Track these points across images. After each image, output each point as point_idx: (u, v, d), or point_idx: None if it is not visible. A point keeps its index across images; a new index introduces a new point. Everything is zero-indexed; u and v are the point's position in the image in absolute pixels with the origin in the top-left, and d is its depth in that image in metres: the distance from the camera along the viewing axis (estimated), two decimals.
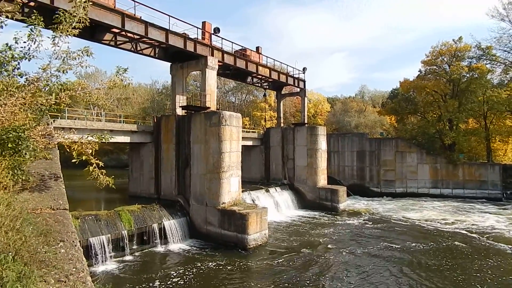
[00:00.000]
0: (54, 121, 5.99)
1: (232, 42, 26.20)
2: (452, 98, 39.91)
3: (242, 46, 28.06)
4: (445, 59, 41.42)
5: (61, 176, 5.64)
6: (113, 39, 20.14)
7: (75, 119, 22.31)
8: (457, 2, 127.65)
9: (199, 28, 23.09)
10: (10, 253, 2.98)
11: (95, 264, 15.81)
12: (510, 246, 19.45)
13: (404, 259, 17.56)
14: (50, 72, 5.03)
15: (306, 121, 36.07)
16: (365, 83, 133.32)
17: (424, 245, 19.87)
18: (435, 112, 42.78)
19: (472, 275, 15.34)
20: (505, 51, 39.07)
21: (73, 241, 3.93)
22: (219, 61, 24.22)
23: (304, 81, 36.04)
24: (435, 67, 42.23)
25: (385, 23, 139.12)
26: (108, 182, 5.55)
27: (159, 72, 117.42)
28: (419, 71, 45.18)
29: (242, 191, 23.76)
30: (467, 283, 14.46)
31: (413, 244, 20.03)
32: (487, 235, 21.95)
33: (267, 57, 31.03)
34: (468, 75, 39.94)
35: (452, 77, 39.67)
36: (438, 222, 25.83)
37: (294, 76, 35.23)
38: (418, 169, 38.19)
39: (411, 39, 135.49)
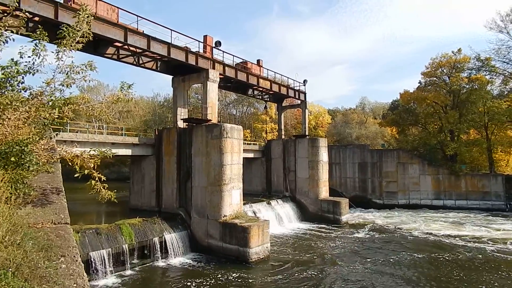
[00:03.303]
0: (56, 134, 6.00)
1: (233, 55, 26.52)
2: (452, 109, 40.00)
3: (243, 59, 28.34)
4: (444, 70, 41.70)
5: (63, 189, 5.63)
6: (116, 52, 20.37)
7: (77, 132, 22.36)
8: (455, 14, 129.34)
9: (201, 42, 23.36)
10: (10, 269, 2.94)
11: (95, 278, 15.61)
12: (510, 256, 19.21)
13: (409, 272, 17.28)
14: (54, 86, 5.07)
15: (307, 133, 36.10)
16: (366, 95, 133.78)
17: (429, 258, 19.60)
18: (436, 123, 42.85)
19: (480, 287, 15.11)
20: (504, 62, 39.36)
21: (74, 256, 3.89)
22: (220, 74, 24.42)
23: (304, 93, 36.23)
24: (435, 78, 42.48)
25: (384, 35, 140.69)
26: (110, 196, 5.52)
27: (160, 85, 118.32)
28: (419, 82, 45.47)
29: (244, 204, 23.61)
30: None
31: (418, 257, 19.75)
32: (494, 247, 21.65)
33: (267, 69, 31.33)
34: (468, 86, 40.16)
35: (452, 88, 39.86)
36: (442, 234, 25.50)
37: (295, 88, 35.43)
38: (420, 180, 37.98)
39: (410, 51, 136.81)
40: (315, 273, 17.15)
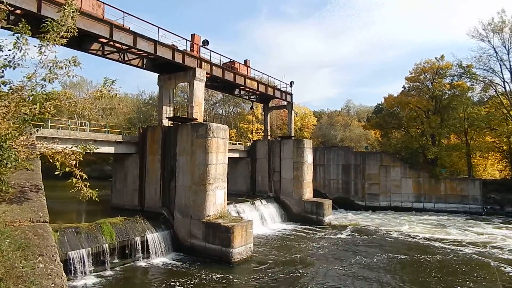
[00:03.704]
0: (37, 130, 5.85)
1: (221, 55, 26.42)
2: (434, 114, 41.01)
3: (230, 59, 28.28)
4: (427, 76, 42.74)
5: (42, 187, 5.50)
6: (101, 49, 20.00)
7: (58, 128, 21.86)
8: (442, 20, 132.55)
9: (188, 40, 23.19)
10: None
11: (73, 279, 15.28)
12: (491, 260, 19.81)
13: (389, 273, 17.63)
14: (35, 81, 4.94)
15: (292, 134, 36.31)
16: (351, 98, 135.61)
17: (407, 261, 20.04)
18: (418, 128, 43.83)
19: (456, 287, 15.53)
20: (485, 70, 40.65)
21: (52, 256, 3.81)
22: (207, 73, 24.31)
23: (291, 95, 36.43)
24: (418, 83, 43.48)
25: (370, 40, 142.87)
26: (91, 195, 5.41)
27: (146, 82, 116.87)
28: (403, 87, 46.45)
29: (228, 204, 23.56)
30: None
31: (396, 260, 20.17)
32: (469, 249, 22.29)
33: (255, 70, 31.37)
34: (449, 92, 41.27)
35: (435, 93, 40.87)
36: (421, 236, 26.10)
37: (282, 89, 35.59)
38: (401, 183, 38.75)
39: (396, 55, 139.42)
40: (296, 274, 17.27)
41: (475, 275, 17.40)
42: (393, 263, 19.33)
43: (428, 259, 20.12)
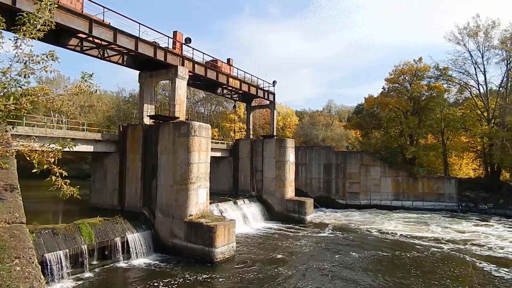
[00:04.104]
0: (12, 128, 5.60)
1: (203, 53, 26.15)
2: (412, 115, 42.09)
3: (213, 57, 28.08)
4: (406, 77, 43.80)
5: (18, 186, 5.27)
6: (79, 44, 19.42)
7: (34, 126, 21.09)
8: (419, 25, 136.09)
9: (170, 37, 22.84)
10: None
11: (50, 281, 14.79)
12: (465, 255, 20.51)
13: (368, 270, 17.94)
14: (10, 76, 4.71)
15: (275, 134, 36.42)
16: (332, 98, 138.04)
17: (389, 257, 20.48)
18: (397, 128, 44.89)
19: (434, 284, 15.94)
20: (460, 72, 42.10)
21: (30, 258, 3.65)
22: (189, 71, 24.04)
23: (273, 94, 36.51)
24: (397, 85, 44.50)
25: (351, 41, 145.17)
26: (72, 192, 5.20)
27: (126, 80, 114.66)
28: (382, 88, 47.44)
29: (210, 203, 23.40)
30: None
31: (377, 256, 20.58)
32: (446, 245, 22.98)
33: (238, 69, 31.25)
34: (427, 94, 42.45)
35: (413, 95, 41.94)
36: (399, 234, 26.73)
37: (264, 89, 35.63)
38: (381, 182, 39.56)
39: (376, 57, 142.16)
40: (278, 273, 17.33)
41: (452, 270, 17.96)
42: (373, 261, 19.69)
43: (409, 255, 20.63)
